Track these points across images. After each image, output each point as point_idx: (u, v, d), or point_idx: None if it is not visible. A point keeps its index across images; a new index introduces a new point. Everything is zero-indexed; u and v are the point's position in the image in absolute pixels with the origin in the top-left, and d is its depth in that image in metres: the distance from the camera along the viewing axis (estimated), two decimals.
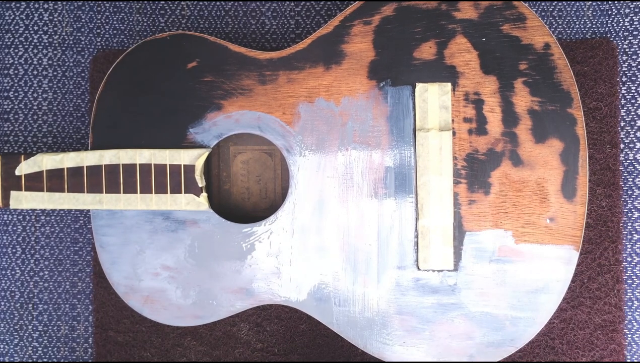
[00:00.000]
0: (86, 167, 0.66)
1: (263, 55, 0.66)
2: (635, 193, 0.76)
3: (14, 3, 0.80)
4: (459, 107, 0.64)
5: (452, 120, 0.64)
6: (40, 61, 0.80)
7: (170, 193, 0.65)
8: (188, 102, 0.66)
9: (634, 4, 0.76)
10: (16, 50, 0.80)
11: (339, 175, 0.65)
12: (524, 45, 0.64)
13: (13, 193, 0.67)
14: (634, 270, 0.75)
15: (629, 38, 0.76)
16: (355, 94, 0.65)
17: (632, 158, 0.75)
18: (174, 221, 0.66)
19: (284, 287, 0.66)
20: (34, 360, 0.80)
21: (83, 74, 0.80)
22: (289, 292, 0.66)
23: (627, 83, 0.76)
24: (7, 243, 0.80)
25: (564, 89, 0.63)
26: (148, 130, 0.66)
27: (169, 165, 0.65)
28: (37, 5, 0.80)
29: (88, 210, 0.79)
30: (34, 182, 0.66)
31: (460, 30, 0.64)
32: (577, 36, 0.76)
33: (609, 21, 0.76)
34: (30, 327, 0.80)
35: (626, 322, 0.76)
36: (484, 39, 0.64)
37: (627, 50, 0.76)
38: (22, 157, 0.66)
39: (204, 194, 0.66)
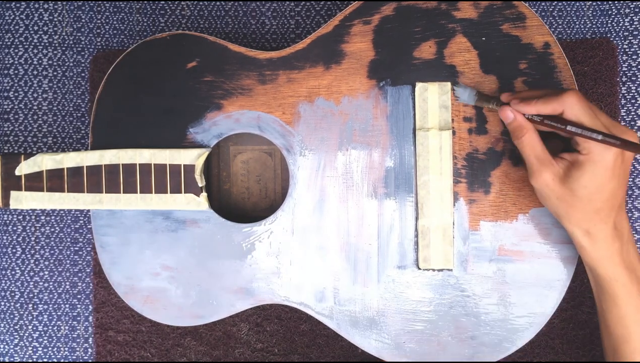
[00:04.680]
0: (86, 167, 0.66)
1: (263, 55, 0.66)
2: (635, 193, 0.75)
3: (14, 3, 0.80)
4: (459, 107, 0.64)
5: (452, 119, 0.64)
6: (40, 61, 0.80)
7: (170, 193, 0.65)
8: (188, 102, 0.66)
9: (634, 4, 0.76)
10: (16, 50, 0.80)
11: (339, 174, 0.65)
12: (523, 44, 0.64)
13: (13, 193, 0.67)
14: None
15: (629, 38, 0.76)
16: (355, 94, 0.65)
17: None
18: (174, 221, 0.66)
19: (284, 287, 0.66)
20: (34, 360, 0.80)
21: (83, 74, 0.80)
22: (289, 292, 0.66)
23: (627, 83, 0.76)
24: (7, 243, 0.80)
25: (564, 89, 0.63)
26: (148, 130, 0.66)
27: (169, 165, 0.65)
28: (37, 5, 0.80)
29: (88, 210, 0.79)
30: (34, 182, 0.66)
31: (460, 29, 0.64)
32: (577, 36, 0.76)
33: (609, 21, 0.76)
34: (30, 327, 0.80)
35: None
36: (483, 39, 0.64)
37: (627, 50, 0.76)
38: (22, 157, 0.66)
39: (204, 194, 0.66)
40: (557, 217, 0.60)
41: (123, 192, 0.66)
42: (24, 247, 0.80)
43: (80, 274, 0.80)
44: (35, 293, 0.80)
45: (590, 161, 0.55)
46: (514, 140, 0.59)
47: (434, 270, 0.64)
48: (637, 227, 0.75)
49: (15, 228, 0.80)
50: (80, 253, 0.80)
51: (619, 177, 0.56)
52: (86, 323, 0.80)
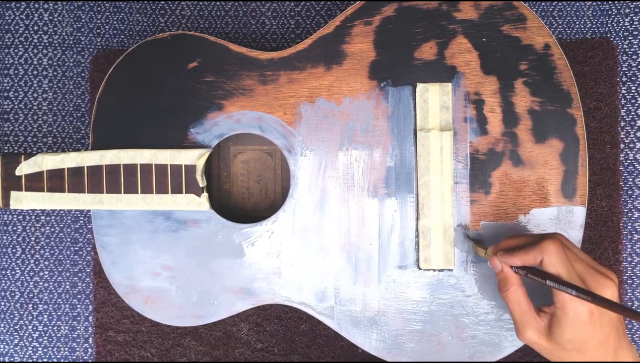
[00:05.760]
0: (87, 167, 0.66)
1: (264, 55, 0.66)
2: (635, 193, 0.76)
3: (14, 3, 0.80)
4: (460, 107, 0.64)
5: (453, 120, 0.64)
6: (40, 61, 0.80)
7: (171, 193, 0.65)
8: (189, 102, 0.66)
9: (634, 4, 0.76)
10: (16, 50, 0.80)
11: (339, 175, 0.65)
12: (524, 45, 0.64)
13: (13, 193, 0.67)
14: (634, 270, 0.76)
15: (629, 38, 0.76)
16: (356, 94, 0.65)
17: (632, 158, 0.75)
18: (174, 221, 0.66)
19: (285, 287, 0.66)
20: (34, 360, 0.80)
21: (83, 74, 0.80)
22: (290, 292, 0.66)
23: (627, 83, 0.76)
24: (7, 243, 0.80)
25: (564, 89, 0.63)
26: (149, 130, 0.66)
27: (170, 165, 0.65)
28: (37, 5, 0.80)
29: (88, 211, 0.79)
30: (34, 182, 0.66)
31: (461, 30, 0.64)
32: (577, 36, 0.77)
33: (609, 21, 0.76)
34: (30, 327, 0.80)
35: (626, 321, 0.76)
36: (484, 40, 0.64)
37: (627, 50, 0.76)
38: (22, 157, 0.66)
39: (205, 194, 0.66)
40: None
41: (124, 192, 0.66)
42: (24, 247, 0.80)
43: (80, 274, 0.80)
44: (35, 293, 0.80)
45: (565, 316, 0.53)
46: (500, 292, 0.58)
47: (434, 270, 0.64)
48: (637, 227, 0.75)
49: (15, 228, 0.80)
50: (80, 253, 0.80)
51: (603, 326, 0.53)
52: (86, 323, 0.80)
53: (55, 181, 0.66)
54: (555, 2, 0.77)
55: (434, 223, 0.64)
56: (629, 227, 0.76)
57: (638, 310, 0.76)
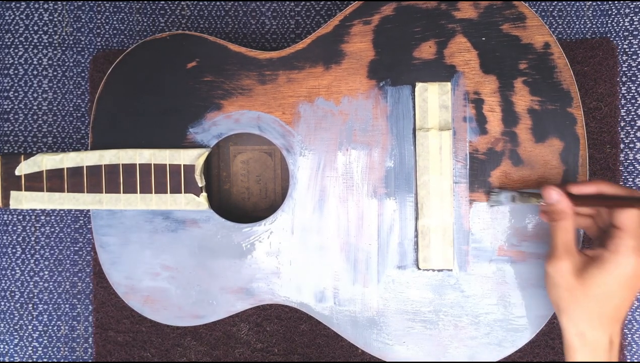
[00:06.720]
0: (86, 167, 0.66)
1: (263, 55, 0.66)
2: None
3: (14, 3, 0.80)
4: (459, 107, 0.64)
5: (452, 119, 0.64)
6: (40, 61, 0.80)
7: (170, 193, 0.66)
8: (188, 102, 0.66)
9: (634, 4, 0.76)
10: (16, 50, 0.80)
11: (338, 174, 0.65)
12: (523, 44, 0.64)
13: (13, 193, 0.67)
14: None
15: (629, 38, 0.76)
16: (355, 94, 0.65)
17: (632, 158, 0.75)
18: (174, 221, 0.66)
19: (284, 287, 0.66)
20: (34, 360, 0.80)
21: (83, 74, 0.80)
22: (289, 292, 0.66)
23: (627, 83, 0.76)
24: (7, 243, 0.80)
25: (564, 88, 0.63)
26: (148, 130, 0.66)
27: (169, 165, 0.65)
28: (37, 5, 0.80)
29: (88, 210, 0.79)
30: (34, 182, 0.66)
31: (460, 29, 0.64)
32: (577, 36, 0.76)
33: (609, 21, 0.76)
34: (30, 327, 0.80)
35: (626, 322, 0.76)
36: (483, 39, 0.64)
37: (627, 50, 0.76)
38: (22, 157, 0.66)
39: (204, 194, 0.66)
40: (556, 308, 0.58)
41: (123, 192, 0.66)
42: (24, 247, 0.80)
43: (80, 274, 0.80)
44: (35, 293, 0.80)
45: (613, 260, 0.54)
46: (551, 221, 0.58)
47: (433, 270, 0.64)
48: None
49: (15, 228, 0.80)
50: (80, 253, 0.80)
51: (632, 289, 0.54)
52: (86, 323, 0.80)
53: (54, 181, 0.66)
54: (555, 2, 0.77)
55: (433, 223, 0.64)
56: None
57: None
